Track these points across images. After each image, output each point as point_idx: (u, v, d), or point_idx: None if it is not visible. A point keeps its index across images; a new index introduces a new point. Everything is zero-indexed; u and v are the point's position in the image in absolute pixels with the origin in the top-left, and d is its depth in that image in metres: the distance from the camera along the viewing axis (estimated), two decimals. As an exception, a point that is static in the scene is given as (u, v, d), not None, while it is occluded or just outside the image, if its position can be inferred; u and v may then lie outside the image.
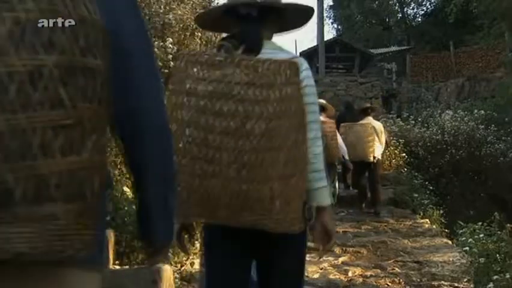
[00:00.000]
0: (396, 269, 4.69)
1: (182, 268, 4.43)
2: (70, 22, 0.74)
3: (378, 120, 8.52)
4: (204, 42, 7.24)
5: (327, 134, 5.99)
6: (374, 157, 7.14)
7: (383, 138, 7.38)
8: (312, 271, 4.58)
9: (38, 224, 0.72)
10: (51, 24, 0.72)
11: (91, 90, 0.77)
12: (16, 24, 0.70)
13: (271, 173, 1.44)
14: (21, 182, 0.71)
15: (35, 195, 0.72)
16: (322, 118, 6.22)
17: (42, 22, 0.72)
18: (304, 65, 1.70)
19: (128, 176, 4.74)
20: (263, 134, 1.41)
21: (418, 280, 4.35)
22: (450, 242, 5.80)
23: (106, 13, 0.82)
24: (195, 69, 1.46)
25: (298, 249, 1.77)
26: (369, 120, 7.33)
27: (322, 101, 6.82)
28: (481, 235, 5.22)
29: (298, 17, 1.86)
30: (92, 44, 0.77)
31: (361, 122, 7.37)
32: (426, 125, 12.22)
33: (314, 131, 1.70)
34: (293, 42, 49.54)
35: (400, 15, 29.17)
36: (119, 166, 4.81)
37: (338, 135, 6.51)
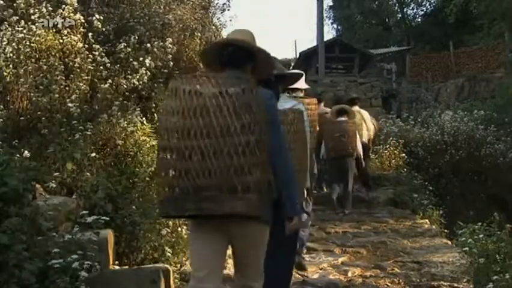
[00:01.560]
0: (396, 269, 4.69)
1: (182, 268, 4.43)
2: (259, 123, 2.15)
3: (378, 120, 8.76)
4: (203, 43, 7.24)
5: (348, 132, 6.83)
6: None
7: (370, 124, 8.27)
8: (311, 271, 4.58)
9: (246, 201, 2.09)
10: (255, 126, 2.12)
11: (266, 147, 2.16)
12: (242, 126, 2.10)
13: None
14: (241, 183, 2.08)
15: (245, 189, 2.08)
16: (343, 118, 7.00)
17: (252, 123, 2.11)
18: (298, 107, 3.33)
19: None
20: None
21: (418, 280, 4.36)
22: (450, 243, 5.79)
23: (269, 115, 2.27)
24: None
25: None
26: (356, 109, 7.95)
27: (343, 106, 7.53)
28: (481, 235, 5.21)
29: (294, 80, 3.61)
30: (266, 129, 2.18)
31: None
32: (426, 125, 12.21)
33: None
34: (293, 42, 49.56)
35: (400, 15, 29.14)
36: (118, 166, 4.82)
37: (357, 134, 7.20)
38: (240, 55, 2.42)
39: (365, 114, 8.34)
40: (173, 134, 2.11)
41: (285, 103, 3.16)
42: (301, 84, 4.15)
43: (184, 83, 2.16)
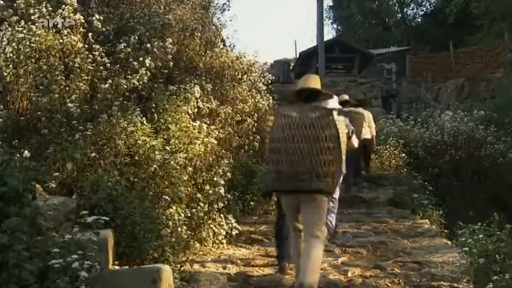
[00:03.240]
0: (396, 269, 4.70)
1: (182, 268, 4.43)
2: (334, 136, 3.74)
3: (378, 120, 8.87)
4: (203, 43, 7.24)
5: (355, 119, 7.28)
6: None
7: (372, 125, 8.83)
8: (311, 271, 4.57)
9: (324, 182, 3.64)
10: (332, 137, 3.70)
11: (336, 150, 3.79)
12: (325, 136, 3.65)
13: None
14: (323, 172, 3.62)
15: (325, 175, 3.64)
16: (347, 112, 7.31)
17: (331, 135, 3.68)
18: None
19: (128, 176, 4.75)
20: None
21: (418, 280, 4.36)
22: (449, 243, 5.80)
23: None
24: None
25: None
26: (360, 109, 8.48)
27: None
28: (481, 235, 5.23)
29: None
30: (337, 140, 3.82)
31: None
32: (425, 125, 12.22)
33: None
34: (293, 42, 49.50)
35: (400, 15, 29.19)
36: (118, 166, 4.81)
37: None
38: (312, 95, 3.92)
39: (368, 115, 8.71)
40: (282, 139, 3.63)
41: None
42: (335, 104, 5.40)
43: (286, 109, 3.77)
